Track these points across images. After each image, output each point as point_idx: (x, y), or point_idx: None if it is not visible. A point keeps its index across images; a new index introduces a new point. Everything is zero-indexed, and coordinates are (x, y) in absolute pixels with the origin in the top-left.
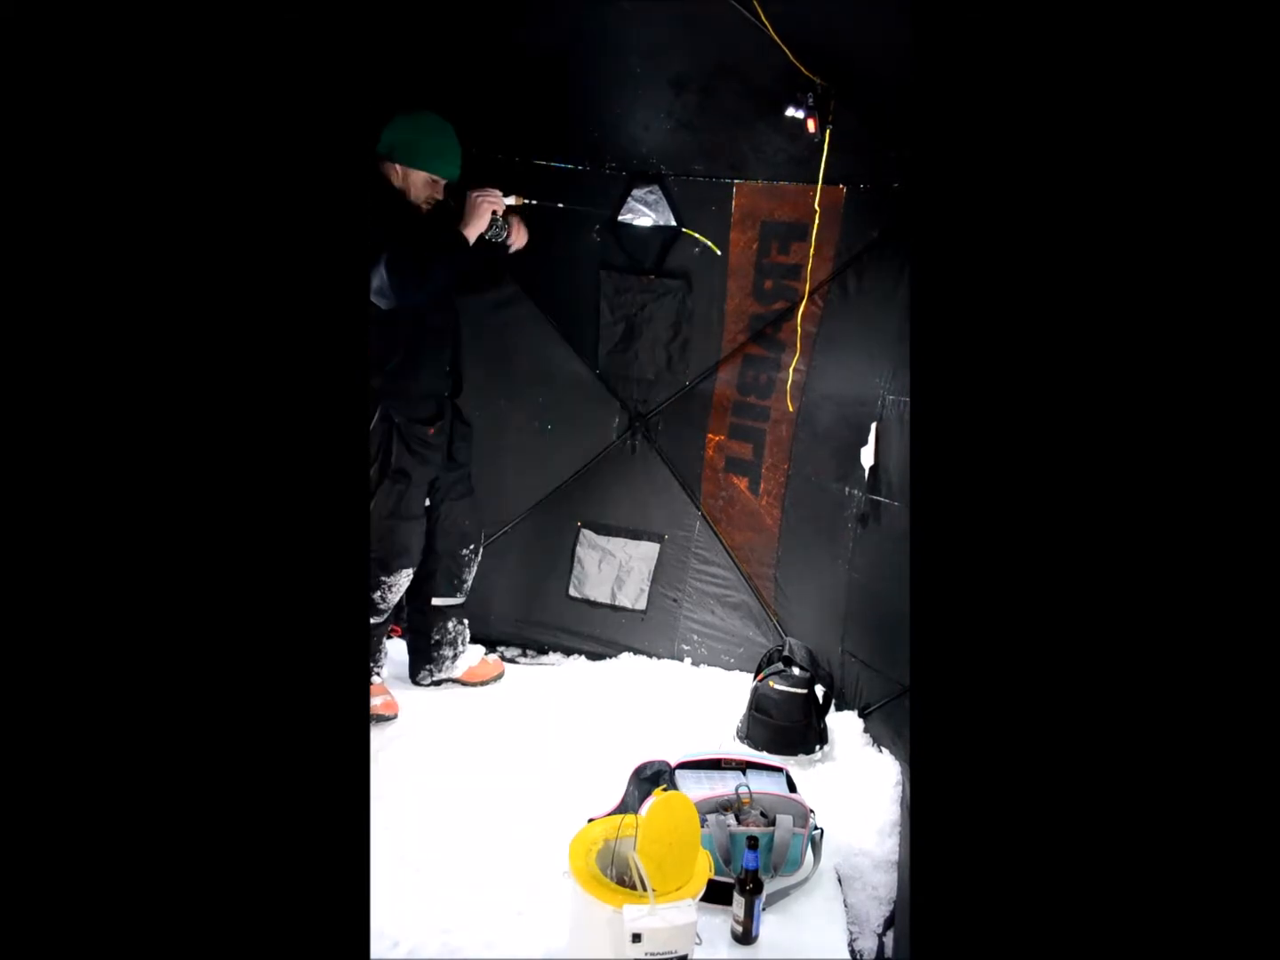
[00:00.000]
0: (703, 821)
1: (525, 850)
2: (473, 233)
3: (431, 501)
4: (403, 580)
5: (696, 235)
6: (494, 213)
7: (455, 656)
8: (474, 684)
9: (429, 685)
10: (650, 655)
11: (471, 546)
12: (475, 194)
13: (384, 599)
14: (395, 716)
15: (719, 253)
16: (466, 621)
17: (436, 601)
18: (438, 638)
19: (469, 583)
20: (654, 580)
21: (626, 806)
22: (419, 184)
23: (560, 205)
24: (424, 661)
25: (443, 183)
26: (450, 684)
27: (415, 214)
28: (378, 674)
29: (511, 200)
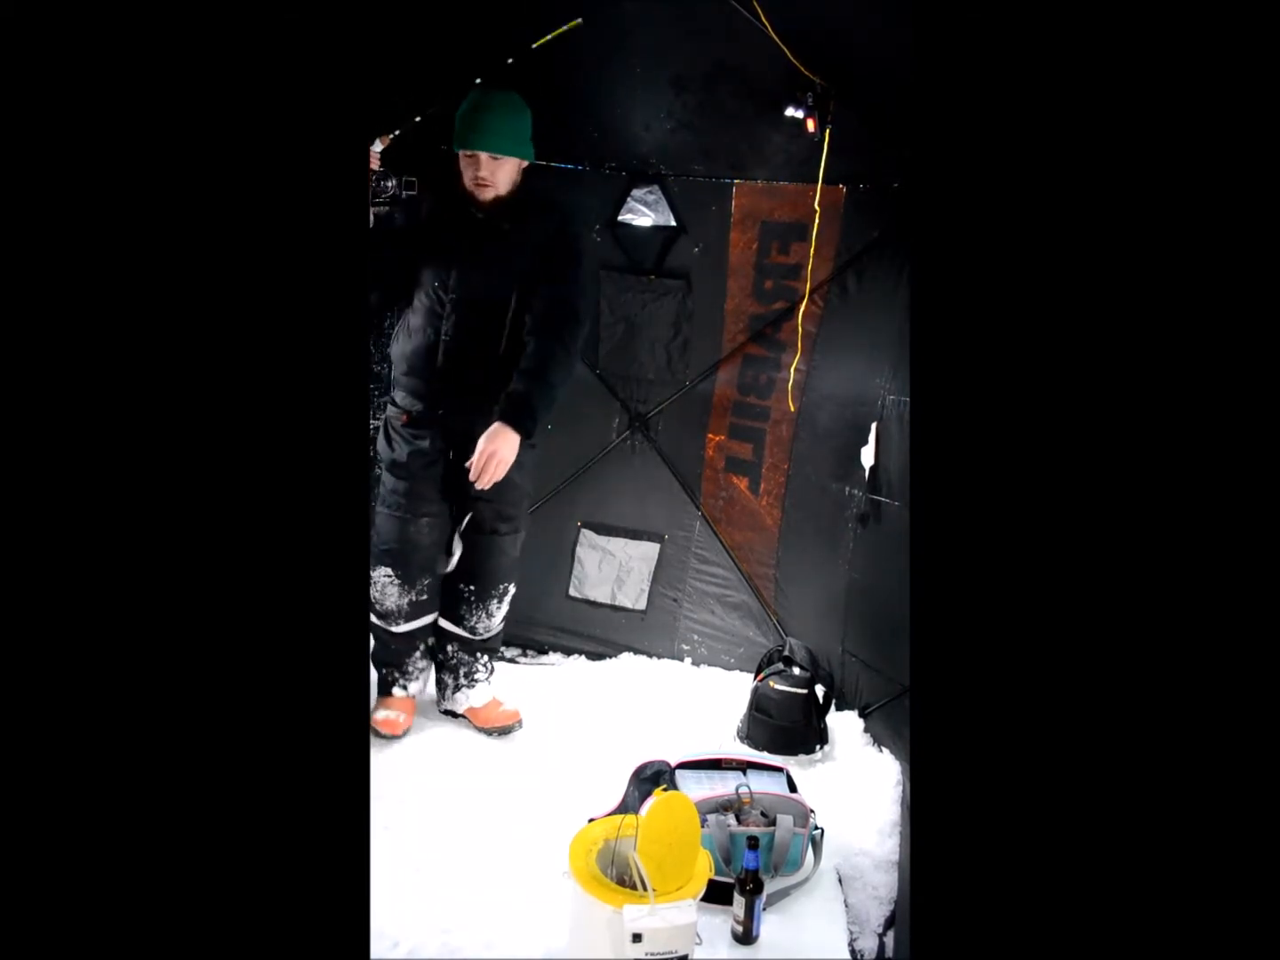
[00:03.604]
0: (703, 821)
1: (525, 850)
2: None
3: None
4: (382, 579)
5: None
6: (371, 173)
7: (456, 688)
8: (483, 729)
9: (442, 713)
10: (650, 655)
11: (473, 587)
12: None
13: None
14: (395, 736)
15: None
16: (483, 658)
17: (441, 621)
18: (441, 658)
19: (475, 622)
20: (654, 580)
21: (626, 806)
22: (464, 171)
23: (418, 119)
24: (438, 684)
25: (482, 167)
26: (464, 719)
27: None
28: (403, 686)
29: (378, 145)
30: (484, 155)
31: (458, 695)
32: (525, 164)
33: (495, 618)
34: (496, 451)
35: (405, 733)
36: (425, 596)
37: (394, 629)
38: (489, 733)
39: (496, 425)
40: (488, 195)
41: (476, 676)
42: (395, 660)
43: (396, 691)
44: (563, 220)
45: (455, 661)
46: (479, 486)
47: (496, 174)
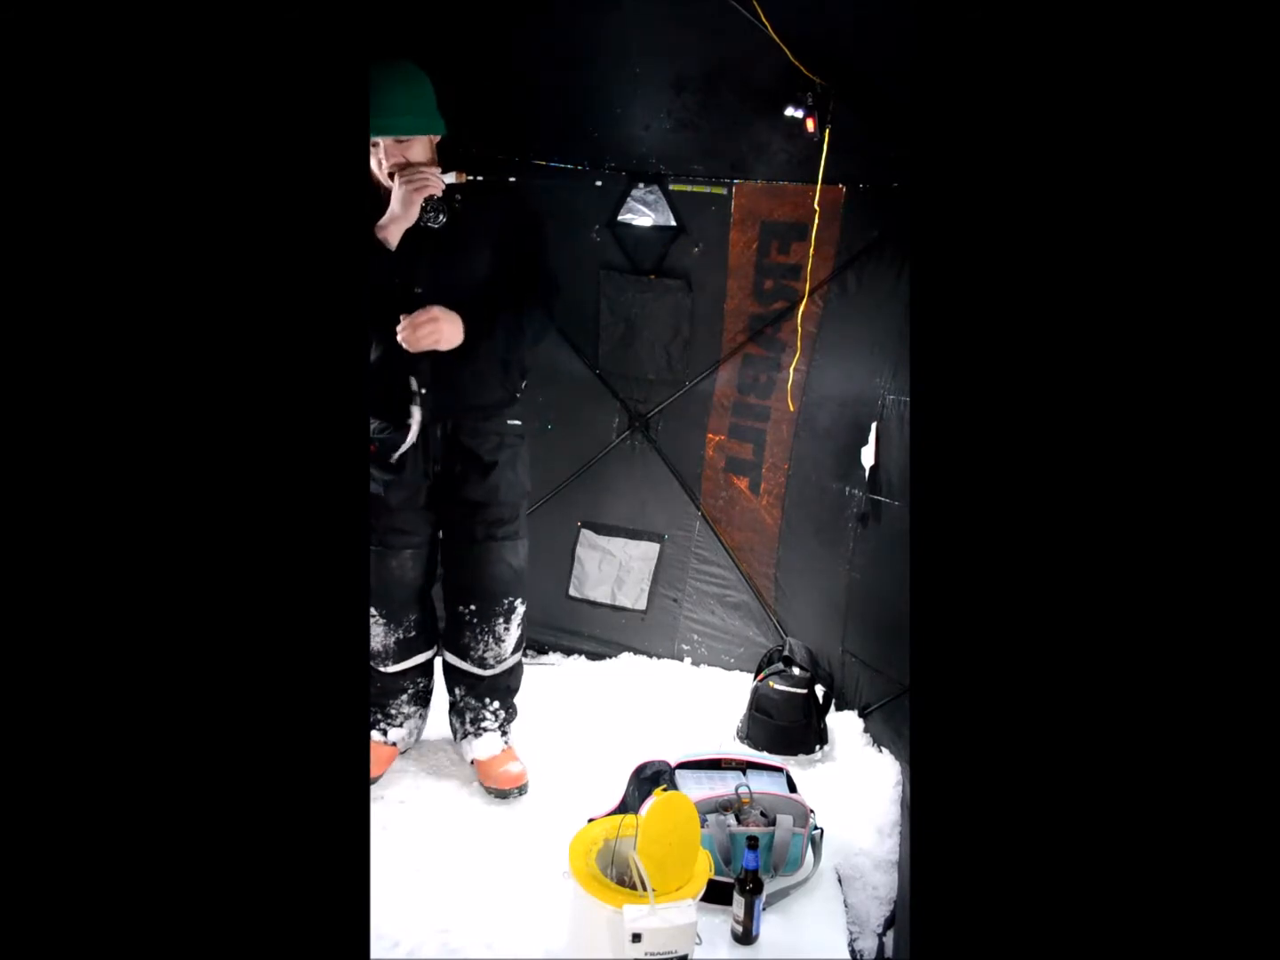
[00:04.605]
0: (703, 821)
1: (525, 850)
2: (395, 230)
3: (447, 542)
4: None
5: (694, 188)
6: (430, 197)
7: (464, 734)
8: (488, 787)
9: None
10: (650, 655)
11: (473, 607)
12: (403, 178)
13: None
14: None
15: (724, 192)
16: (493, 704)
17: (446, 656)
18: (451, 699)
19: (482, 651)
20: (654, 580)
21: (626, 806)
22: (379, 166)
23: (512, 179)
24: (449, 725)
25: (390, 154)
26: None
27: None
28: (383, 731)
29: (452, 178)
30: (387, 140)
31: (464, 744)
32: (438, 139)
33: (505, 643)
34: (439, 320)
35: (373, 781)
36: (414, 633)
37: (382, 669)
38: (489, 792)
39: (453, 312)
40: None
41: (484, 725)
42: (379, 700)
43: (374, 736)
44: (517, 201)
45: (463, 705)
46: (400, 337)
47: (408, 157)
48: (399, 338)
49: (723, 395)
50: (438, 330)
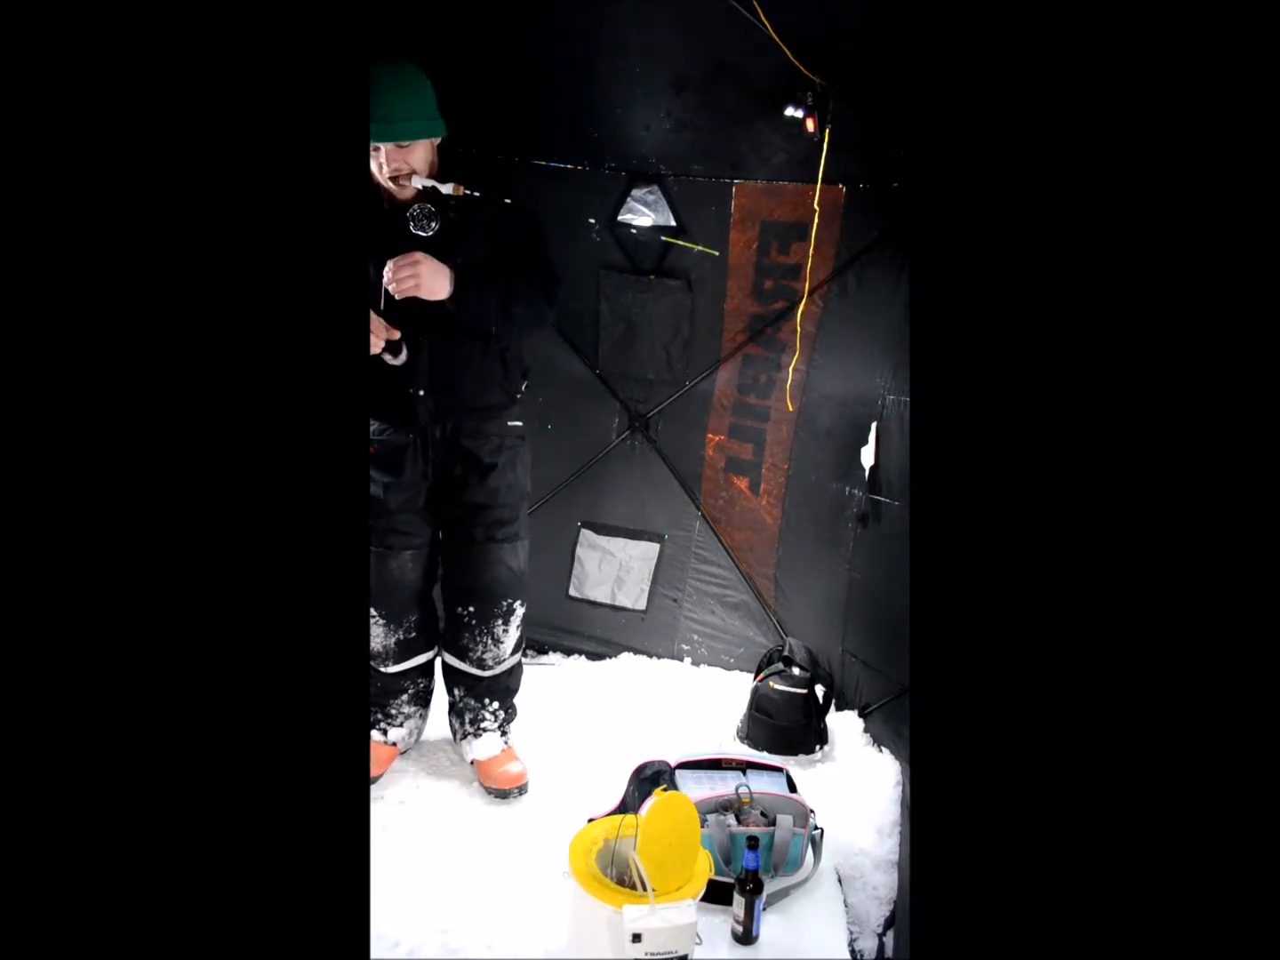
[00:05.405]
0: (703, 821)
1: (525, 850)
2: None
3: (446, 543)
4: None
5: (686, 243)
6: (423, 206)
7: (463, 734)
8: (488, 787)
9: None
10: (650, 655)
11: (472, 609)
12: (394, 277)
13: None
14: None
15: (716, 254)
16: (492, 704)
17: (446, 657)
18: (451, 699)
19: (481, 653)
20: (654, 580)
21: (626, 806)
22: (379, 170)
23: (508, 201)
24: (449, 726)
25: (391, 160)
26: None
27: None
28: (383, 731)
29: (449, 189)
30: (388, 145)
31: (464, 744)
32: (439, 141)
33: (504, 644)
34: (420, 264)
35: (373, 781)
36: (414, 634)
37: (383, 669)
38: (489, 792)
39: (440, 262)
40: (408, 194)
41: (484, 725)
42: (379, 700)
43: (374, 736)
44: (515, 206)
45: (462, 706)
46: (385, 282)
47: (410, 162)
48: (385, 285)
49: (723, 395)
50: (418, 274)
